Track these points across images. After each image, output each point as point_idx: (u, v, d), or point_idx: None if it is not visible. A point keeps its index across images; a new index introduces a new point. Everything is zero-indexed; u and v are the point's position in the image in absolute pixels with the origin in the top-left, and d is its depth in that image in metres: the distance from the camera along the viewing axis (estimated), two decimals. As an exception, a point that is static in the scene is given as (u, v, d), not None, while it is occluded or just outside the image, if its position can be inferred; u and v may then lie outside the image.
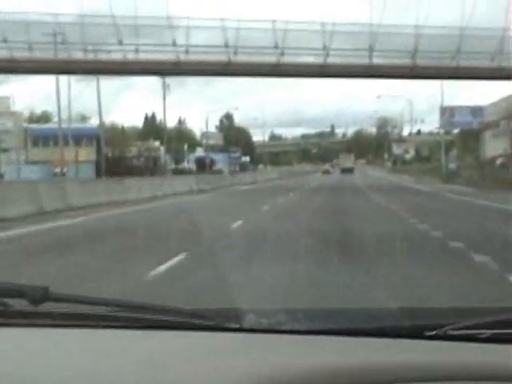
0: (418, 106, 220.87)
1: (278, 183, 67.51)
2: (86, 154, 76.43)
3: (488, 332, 1.95)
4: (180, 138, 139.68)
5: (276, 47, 42.48)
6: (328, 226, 19.52)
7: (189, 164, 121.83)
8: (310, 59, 43.83)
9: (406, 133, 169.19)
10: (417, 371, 1.78)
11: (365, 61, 43.12)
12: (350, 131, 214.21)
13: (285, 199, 35.09)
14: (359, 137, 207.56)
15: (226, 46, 42.60)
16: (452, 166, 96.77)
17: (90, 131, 79.75)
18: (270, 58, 42.83)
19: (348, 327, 2.08)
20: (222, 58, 42.74)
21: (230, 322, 2.13)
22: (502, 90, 75.34)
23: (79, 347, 2.04)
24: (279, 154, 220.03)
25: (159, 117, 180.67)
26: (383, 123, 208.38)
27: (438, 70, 42.47)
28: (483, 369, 1.79)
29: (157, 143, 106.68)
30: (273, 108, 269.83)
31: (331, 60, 42.96)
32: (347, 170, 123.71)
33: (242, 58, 42.52)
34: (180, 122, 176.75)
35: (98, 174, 72.85)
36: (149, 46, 45.18)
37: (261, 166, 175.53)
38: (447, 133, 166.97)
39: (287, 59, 43.04)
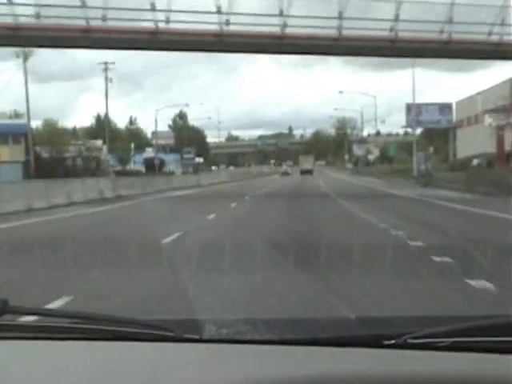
0: (378, 107, 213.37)
1: (230, 187, 58.82)
2: (12, 153, 66.75)
3: (447, 340, 1.96)
4: (126, 138, 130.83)
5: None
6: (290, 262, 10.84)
7: (136, 165, 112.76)
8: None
9: (365, 133, 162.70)
10: (376, 380, 1.80)
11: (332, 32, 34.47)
12: (309, 132, 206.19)
13: (232, 210, 27.38)
14: (318, 138, 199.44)
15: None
16: (422, 167, 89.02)
17: (18, 128, 69.41)
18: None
19: (306, 337, 2.07)
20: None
21: (189, 332, 2.11)
22: (469, 86, 67.15)
23: (39, 360, 2.03)
24: (236, 155, 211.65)
25: (113, 118, 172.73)
26: (342, 124, 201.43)
27: (425, 44, 33.77)
28: (442, 377, 1.81)
29: (99, 142, 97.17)
30: (230, 110, 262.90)
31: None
32: (306, 172, 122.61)
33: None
34: (131, 121, 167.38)
35: (27, 175, 63.96)
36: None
37: (214, 168, 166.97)
38: (406, 133, 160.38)
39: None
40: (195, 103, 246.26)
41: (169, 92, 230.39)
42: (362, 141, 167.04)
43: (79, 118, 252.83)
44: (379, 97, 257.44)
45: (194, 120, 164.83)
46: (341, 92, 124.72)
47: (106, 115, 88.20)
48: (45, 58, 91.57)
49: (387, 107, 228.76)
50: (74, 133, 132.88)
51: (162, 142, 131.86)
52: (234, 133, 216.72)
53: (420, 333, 1.99)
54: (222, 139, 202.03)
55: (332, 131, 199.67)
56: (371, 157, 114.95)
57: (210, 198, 37.14)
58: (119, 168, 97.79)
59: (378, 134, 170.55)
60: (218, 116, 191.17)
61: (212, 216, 22.17)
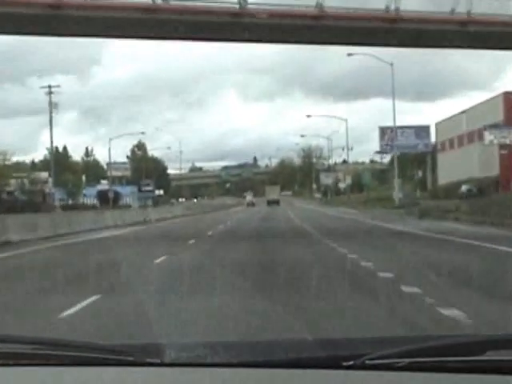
0: (343, 136, 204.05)
1: (189, 221, 49.37)
2: None
3: (405, 361, 1.97)
4: (80, 170, 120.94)
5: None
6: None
7: (90, 198, 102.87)
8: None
9: (331, 162, 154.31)
10: None
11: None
12: (274, 162, 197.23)
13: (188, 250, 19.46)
14: (283, 167, 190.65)
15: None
16: (400, 195, 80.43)
17: None
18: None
19: (266, 359, 2.07)
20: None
21: (150, 357, 2.12)
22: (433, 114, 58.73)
23: None
24: (200, 186, 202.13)
25: (73, 151, 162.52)
26: (308, 153, 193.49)
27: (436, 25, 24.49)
28: None
29: (44, 174, 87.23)
30: (193, 141, 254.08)
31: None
32: (273, 202, 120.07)
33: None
34: (87, 153, 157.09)
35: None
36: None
37: (176, 200, 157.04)
38: (373, 161, 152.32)
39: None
40: (155, 132, 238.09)
41: (133, 124, 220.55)
42: (330, 169, 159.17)
43: (40, 152, 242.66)
44: (343, 127, 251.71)
45: (154, 151, 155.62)
46: (308, 116, 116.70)
47: (51, 144, 78.47)
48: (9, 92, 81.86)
49: (353, 136, 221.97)
50: (32, 167, 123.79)
51: (118, 173, 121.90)
52: (198, 164, 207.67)
53: (377, 354, 1.99)
54: (185, 171, 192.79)
55: (298, 160, 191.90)
56: (342, 185, 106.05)
57: (161, 238, 27.94)
58: (66, 202, 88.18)
59: (344, 162, 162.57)
60: (180, 146, 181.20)
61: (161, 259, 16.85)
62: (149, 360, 2.10)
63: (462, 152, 70.15)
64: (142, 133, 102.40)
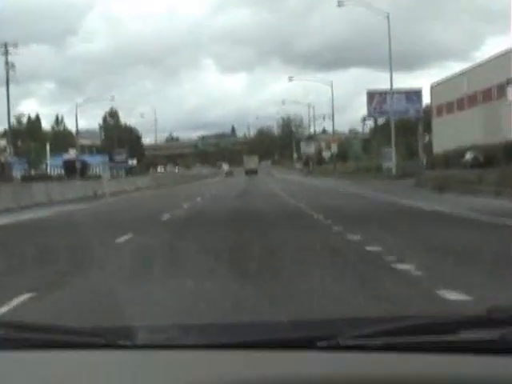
0: (323, 105, 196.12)
1: (153, 196, 41.79)
2: None
3: (379, 341, 1.95)
4: (47, 139, 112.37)
5: None
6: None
7: (55, 168, 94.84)
8: None
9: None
10: (309, 382, 1.79)
11: None
12: (253, 132, 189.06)
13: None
14: (262, 137, 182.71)
15: None
16: (388, 164, 73.19)
17: None
18: None
19: (239, 340, 2.04)
20: None
21: (122, 339, 2.06)
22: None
23: None
24: (176, 157, 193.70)
25: (47, 121, 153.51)
26: (287, 122, 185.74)
27: None
28: (375, 378, 1.81)
29: (2, 142, 78.98)
30: (170, 112, 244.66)
31: None
32: (251, 172, 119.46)
33: None
34: (57, 121, 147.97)
35: None
36: None
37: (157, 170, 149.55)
38: (352, 131, 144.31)
39: None
40: (130, 102, 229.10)
41: (109, 94, 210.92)
42: (312, 138, 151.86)
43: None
44: (322, 96, 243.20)
45: (127, 119, 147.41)
46: (291, 78, 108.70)
47: (8, 109, 70.12)
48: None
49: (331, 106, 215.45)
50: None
51: (87, 142, 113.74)
52: (175, 135, 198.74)
53: (352, 333, 1.98)
54: (162, 141, 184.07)
55: (277, 130, 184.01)
56: (326, 154, 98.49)
57: (88, 227, 19.87)
58: (28, 172, 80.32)
59: (324, 131, 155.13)
60: (155, 115, 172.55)
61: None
62: (120, 342, 2.04)
63: (463, 116, 62.74)
64: (112, 99, 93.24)
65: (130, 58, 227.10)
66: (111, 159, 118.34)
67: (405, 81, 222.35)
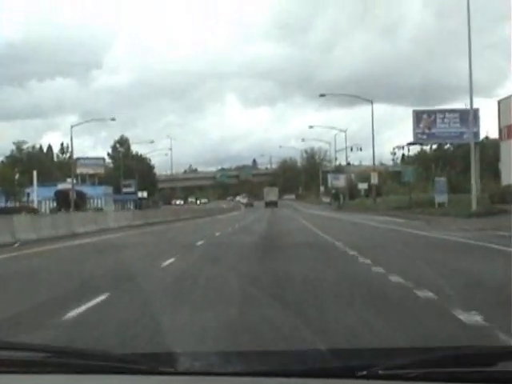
0: (348, 139, 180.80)
1: (138, 241, 27.50)
2: None
3: (416, 371, 1.95)
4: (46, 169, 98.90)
5: None
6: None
7: (45, 200, 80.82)
8: None
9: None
10: None
11: None
12: (275, 164, 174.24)
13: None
14: (285, 168, 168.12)
15: None
16: (441, 198, 58.37)
17: None
18: None
19: (280, 369, 2.04)
20: None
21: (163, 365, 2.08)
22: None
23: None
24: (194, 189, 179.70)
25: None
26: (311, 154, 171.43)
27: None
28: None
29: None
30: (191, 144, 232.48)
31: None
32: (272, 204, 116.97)
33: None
34: (63, 149, 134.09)
35: None
36: None
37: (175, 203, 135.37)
38: (382, 164, 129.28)
39: None
40: (147, 133, 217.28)
41: (133, 127, 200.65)
42: (339, 170, 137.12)
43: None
44: (348, 131, 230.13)
45: (137, 146, 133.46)
46: (311, 127, 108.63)
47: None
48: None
49: (355, 141, 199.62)
50: None
51: (89, 170, 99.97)
52: (196, 168, 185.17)
53: (391, 363, 2.00)
54: (180, 173, 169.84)
55: (300, 162, 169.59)
56: (362, 186, 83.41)
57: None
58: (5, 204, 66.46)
59: (348, 164, 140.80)
60: (171, 144, 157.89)
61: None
62: (162, 369, 2.05)
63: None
64: (112, 119, 79.22)
65: (153, 90, 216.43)
66: (117, 191, 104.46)
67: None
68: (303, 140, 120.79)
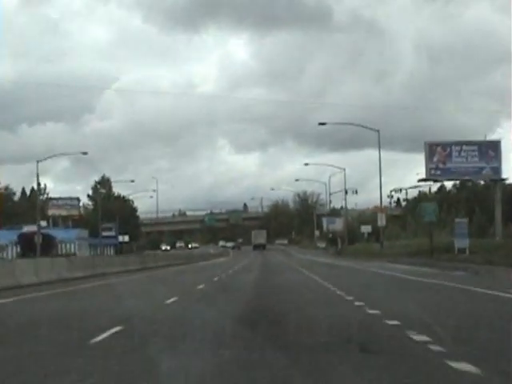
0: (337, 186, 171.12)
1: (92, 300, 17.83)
2: None
3: None
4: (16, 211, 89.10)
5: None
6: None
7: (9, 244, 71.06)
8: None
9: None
10: None
11: None
12: (266, 207, 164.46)
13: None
14: (277, 212, 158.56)
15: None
16: (462, 243, 48.93)
17: None
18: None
19: None
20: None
21: None
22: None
23: None
24: (182, 233, 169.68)
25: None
26: (304, 197, 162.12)
27: None
28: None
29: None
30: (181, 189, 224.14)
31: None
32: (260, 246, 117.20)
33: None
34: (40, 191, 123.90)
35: None
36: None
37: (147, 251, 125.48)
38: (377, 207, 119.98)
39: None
40: (142, 180, 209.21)
41: (123, 172, 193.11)
42: (335, 213, 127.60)
43: None
44: (338, 176, 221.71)
45: (118, 186, 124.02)
46: (306, 164, 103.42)
47: None
48: None
49: (348, 186, 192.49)
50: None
51: (62, 212, 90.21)
52: (187, 213, 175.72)
53: None
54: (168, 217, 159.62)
55: (293, 205, 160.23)
56: (366, 229, 73.74)
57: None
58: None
59: (341, 208, 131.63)
60: (156, 186, 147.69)
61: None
62: None
63: None
64: (84, 153, 69.77)
65: (144, 135, 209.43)
66: (93, 234, 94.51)
67: (422, 162, 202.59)
68: (297, 180, 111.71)
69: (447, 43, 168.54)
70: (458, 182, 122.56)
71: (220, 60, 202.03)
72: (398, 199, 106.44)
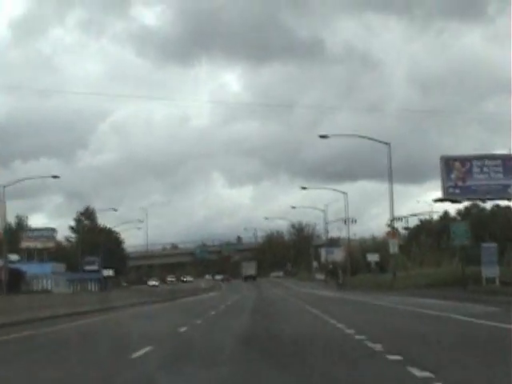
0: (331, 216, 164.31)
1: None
2: None
3: None
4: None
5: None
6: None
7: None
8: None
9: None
10: None
11: None
12: (261, 237, 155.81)
13: None
14: (271, 243, 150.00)
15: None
16: (492, 271, 41.26)
17: None
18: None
19: None
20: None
21: None
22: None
23: None
24: (174, 266, 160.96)
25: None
26: (299, 228, 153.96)
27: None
28: None
29: None
30: (174, 223, 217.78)
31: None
32: (250, 278, 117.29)
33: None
34: (20, 224, 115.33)
35: None
36: None
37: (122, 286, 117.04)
38: (374, 238, 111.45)
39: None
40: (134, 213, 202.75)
41: (117, 207, 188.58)
42: (334, 243, 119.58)
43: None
44: (330, 208, 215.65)
45: (104, 218, 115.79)
46: (304, 188, 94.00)
47: None
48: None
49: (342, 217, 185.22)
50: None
51: (37, 245, 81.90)
52: (179, 246, 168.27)
53: None
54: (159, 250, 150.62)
55: (288, 237, 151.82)
56: (372, 258, 65.52)
57: None
58: None
59: (339, 238, 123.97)
60: (146, 218, 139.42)
61: None
62: None
63: None
64: (55, 176, 61.80)
65: (137, 169, 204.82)
66: (72, 268, 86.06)
67: (415, 193, 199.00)
68: (294, 207, 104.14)
69: (440, 73, 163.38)
70: (461, 207, 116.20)
71: (213, 93, 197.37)
72: (397, 229, 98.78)
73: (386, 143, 51.50)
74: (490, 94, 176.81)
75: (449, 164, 50.45)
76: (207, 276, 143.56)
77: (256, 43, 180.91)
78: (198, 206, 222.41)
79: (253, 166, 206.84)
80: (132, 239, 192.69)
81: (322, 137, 52.02)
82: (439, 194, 50.50)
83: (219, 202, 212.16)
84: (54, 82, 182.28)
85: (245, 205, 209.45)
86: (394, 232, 52.10)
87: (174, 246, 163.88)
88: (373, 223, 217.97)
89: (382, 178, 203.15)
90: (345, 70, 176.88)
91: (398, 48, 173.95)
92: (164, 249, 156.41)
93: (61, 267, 78.14)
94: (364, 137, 53.76)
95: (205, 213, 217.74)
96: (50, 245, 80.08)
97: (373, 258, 64.33)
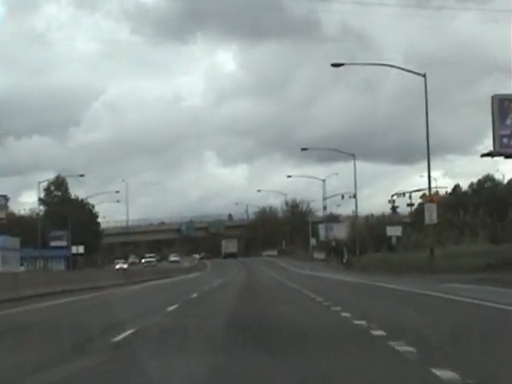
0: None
1: None
2: None
3: None
4: None
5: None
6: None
7: None
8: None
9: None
10: None
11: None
12: (253, 214, 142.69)
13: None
14: (264, 220, 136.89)
15: None
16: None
17: None
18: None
19: None
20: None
21: None
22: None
23: None
24: (159, 244, 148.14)
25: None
26: (294, 205, 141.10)
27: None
28: None
29: None
30: (168, 202, 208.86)
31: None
32: (230, 255, 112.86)
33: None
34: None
35: None
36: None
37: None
38: (373, 216, 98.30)
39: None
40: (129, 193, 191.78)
41: (110, 185, 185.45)
42: (334, 219, 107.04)
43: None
44: (328, 185, 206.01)
45: (76, 190, 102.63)
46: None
47: None
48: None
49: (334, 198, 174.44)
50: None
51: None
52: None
53: None
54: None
55: (282, 213, 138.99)
56: (394, 232, 52.26)
57: None
58: None
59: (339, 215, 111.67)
60: (126, 190, 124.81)
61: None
62: None
63: None
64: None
65: (130, 148, 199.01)
66: (27, 245, 72.86)
67: (408, 176, 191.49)
68: (289, 176, 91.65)
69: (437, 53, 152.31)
70: (474, 182, 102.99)
71: (207, 72, 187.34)
72: (395, 207, 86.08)
73: (422, 75, 38.45)
74: (486, 74, 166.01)
75: (503, 106, 37.44)
76: (195, 255, 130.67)
77: (251, 22, 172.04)
78: (191, 185, 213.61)
79: (246, 145, 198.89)
80: (118, 216, 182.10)
81: (335, 65, 38.70)
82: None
83: (212, 181, 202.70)
84: (47, 58, 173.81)
85: (238, 184, 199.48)
86: (432, 195, 38.30)
87: (161, 223, 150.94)
88: (366, 203, 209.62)
89: (375, 159, 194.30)
90: (340, 49, 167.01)
91: (394, 27, 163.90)
92: (151, 225, 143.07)
93: (15, 242, 64.98)
94: (397, 67, 40.63)
95: (198, 192, 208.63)
96: (0, 215, 66.73)
97: (395, 231, 51.10)
